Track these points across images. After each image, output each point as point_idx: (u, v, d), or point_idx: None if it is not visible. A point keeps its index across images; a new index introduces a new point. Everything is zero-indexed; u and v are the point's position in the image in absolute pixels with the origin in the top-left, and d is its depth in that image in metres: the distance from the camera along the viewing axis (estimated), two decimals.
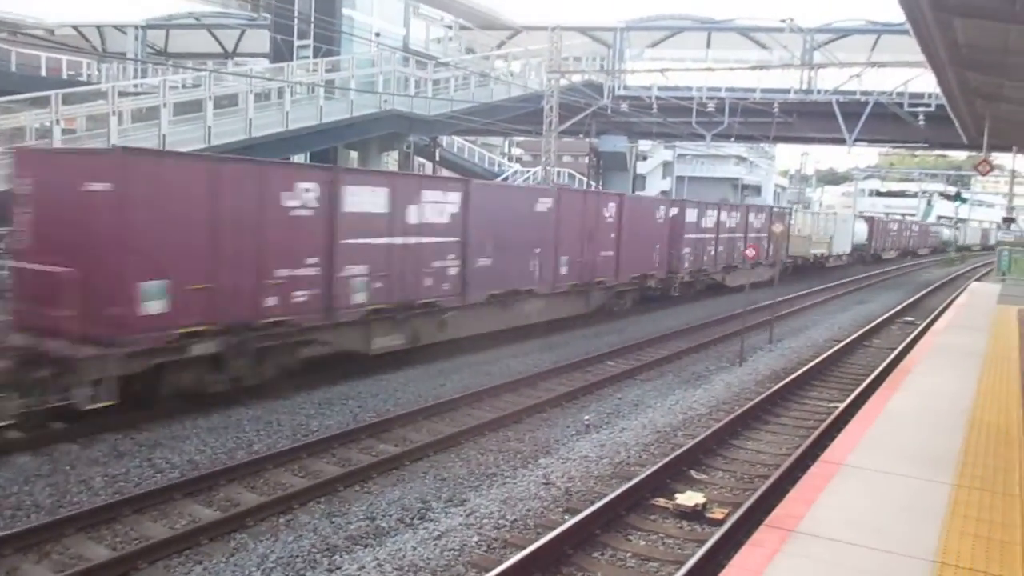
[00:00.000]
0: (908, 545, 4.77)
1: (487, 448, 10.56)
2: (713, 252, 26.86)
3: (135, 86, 23.92)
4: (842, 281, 36.54)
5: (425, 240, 14.51)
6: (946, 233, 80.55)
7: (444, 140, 42.01)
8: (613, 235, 20.77)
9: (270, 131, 19.41)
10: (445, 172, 52.23)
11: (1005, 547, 4.85)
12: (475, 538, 7.55)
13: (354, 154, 24.69)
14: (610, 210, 20.80)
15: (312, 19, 22.25)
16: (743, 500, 8.52)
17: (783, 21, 29.42)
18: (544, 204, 18.03)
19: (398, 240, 13.92)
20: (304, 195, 12.10)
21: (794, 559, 4.50)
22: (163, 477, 8.92)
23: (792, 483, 9.09)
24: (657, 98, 29.20)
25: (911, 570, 4.47)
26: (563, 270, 18.78)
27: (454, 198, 15.16)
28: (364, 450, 10.29)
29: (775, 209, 34.92)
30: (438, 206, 14.77)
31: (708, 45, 37.38)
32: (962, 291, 28.82)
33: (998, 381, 10.07)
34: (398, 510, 8.26)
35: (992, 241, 66.61)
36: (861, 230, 47.68)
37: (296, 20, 22.94)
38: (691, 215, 25.10)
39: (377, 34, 24.24)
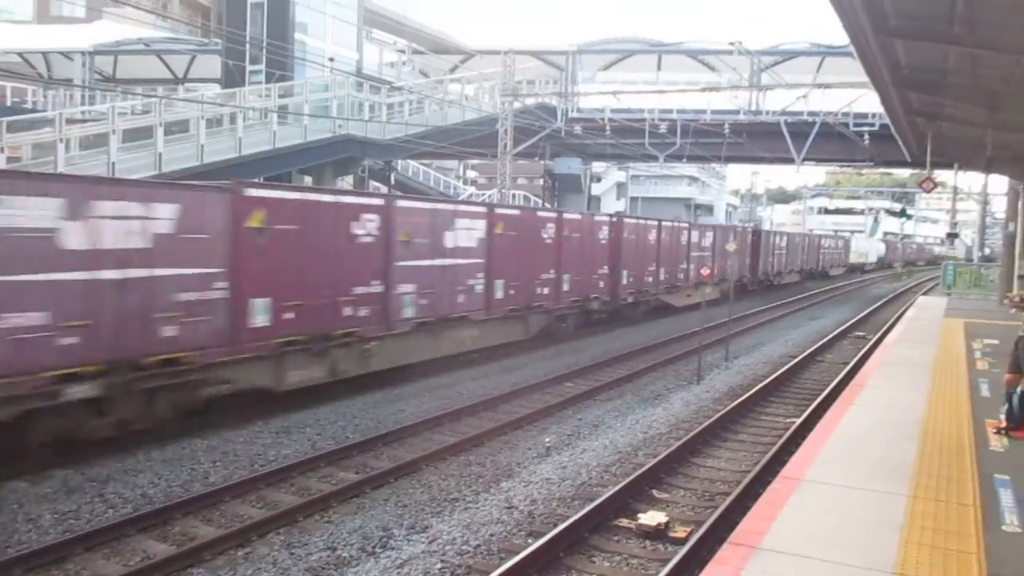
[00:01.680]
0: (869, 557, 4.83)
1: (449, 473, 10.47)
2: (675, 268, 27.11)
3: (83, 113, 23.48)
4: (793, 298, 37.15)
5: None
6: (937, 250, 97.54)
7: (399, 164, 41.96)
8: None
9: (222, 157, 19.21)
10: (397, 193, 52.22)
11: (961, 557, 4.94)
12: (438, 565, 7.46)
13: (308, 179, 24.53)
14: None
15: (264, 44, 22.14)
16: (705, 518, 8.56)
17: (732, 44, 30.07)
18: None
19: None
20: (367, 224, 14.06)
21: (758, 575, 4.53)
22: (115, 513, 8.68)
23: (753, 499, 9.16)
24: (610, 120, 29.52)
25: None
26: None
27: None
28: (323, 478, 10.13)
29: (740, 227, 35.69)
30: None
31: (659, 67, 37.99)
32: (910, 305, 29.48)
33: (948, 392, 10.29)
34: (359, 539, 8.14)
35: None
36: (883, 248, 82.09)
37: (248, 45, 22.80)
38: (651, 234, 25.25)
39: (331, 59, 24.19)
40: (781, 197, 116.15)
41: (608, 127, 29.26)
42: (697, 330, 19.20)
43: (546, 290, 20.01)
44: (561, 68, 35.63)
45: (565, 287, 20.80)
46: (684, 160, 37.10)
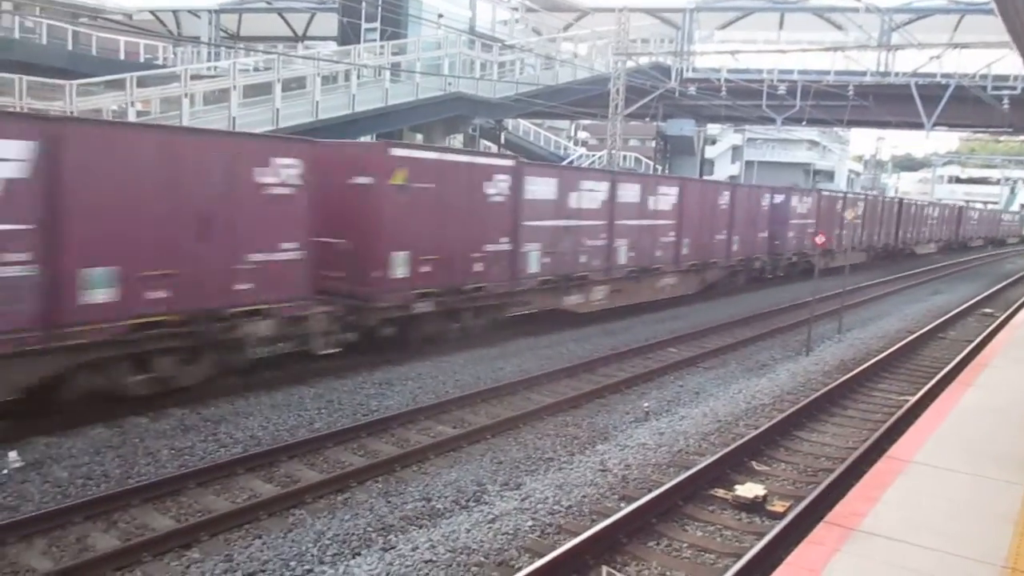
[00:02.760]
0: (977, 549, 4.56)
1: (544, 432, 10.52)
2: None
3: (208, 69, 24.38)
4: (922, 269, 35.41)
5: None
6: None
7: (510, 123, 41.92)
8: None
9: (336, 113, 19.61)
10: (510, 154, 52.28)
11: None
12: (529, 523, 7.53)
13: (419, 136, 24.80)
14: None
15: (380, 2, 22.35)
16: (805, 494, 8.31)
17: (860, 1, 28.42)
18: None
19: (561, 223, 16.76)
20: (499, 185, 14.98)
21: (853, 558, 4.35)
22: (226, 452, 9.12)
23: (857, 478, 8.86)
24: (726, 81, 28.53)
25: (978, 574, 4.27)
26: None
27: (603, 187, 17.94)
28: (422, 431, 10.35)
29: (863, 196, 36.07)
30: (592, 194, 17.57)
31: (780, 26, 36.39)
32: None
33: None
34: (454, 492, 8.29)
35: None
36: None
37: (364, 3, 23.07)
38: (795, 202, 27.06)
39: (440, 16, 24.21)
40: (908, 164, 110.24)
41: (724, 88, 28.30)
42: (810, 299, 18.57)
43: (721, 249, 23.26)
44: (677, 26, 34.58)
45: (735, 247, 23.78)
46: (804, 123, 35.55)
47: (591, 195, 17.50)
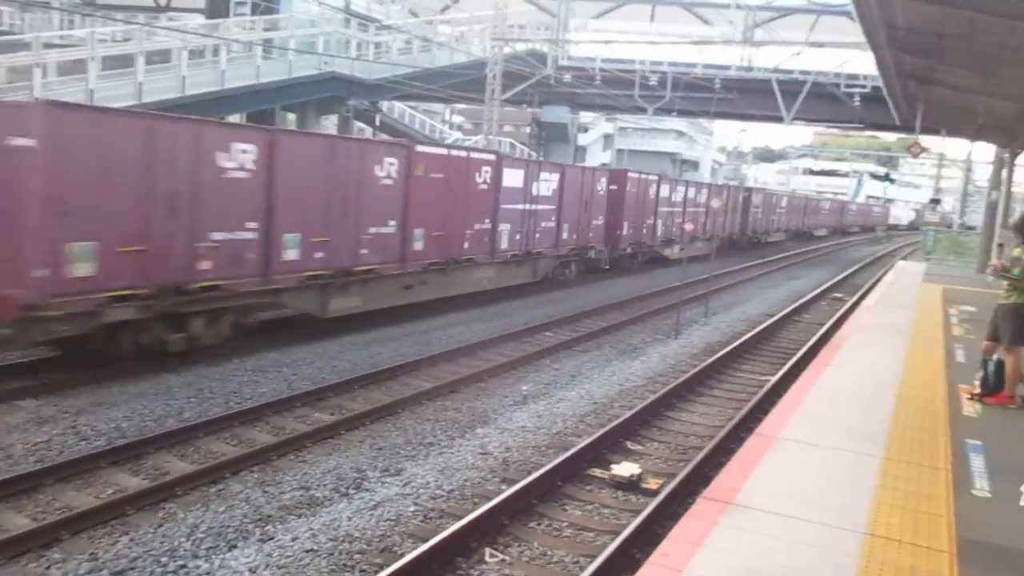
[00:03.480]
0: (842, 517, 4.87)
1: (424, 417, 10.48)
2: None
3: (61, 38, 22.78)
4: (774, 257, 37.32)
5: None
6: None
7: (385, 105, 41.31)
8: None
9: (205, 89, 18.75)
10: (385, 137, 51.55)
11: (932, 520, 4.99)
12: (411, 508, 7.49)
13: (291, 116, 24.09)
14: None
15: None
16: (677, 471, 8.62)
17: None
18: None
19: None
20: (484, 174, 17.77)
21: (732, 531, 4.55)
22: (88, 445, 8.62)
23: (726, 454, 9.28)
24: (601, 70, 29.09)
25: (844, 541, 4.56)
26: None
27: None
28: (299, 418, 10.11)
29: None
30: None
31: (652, 18, 37.39)
32: (889, 269, 29.68)
33: (924, 357, 10.38)
34: (333, 480, 8.14)
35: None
36: (911, 215, 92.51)
37: None
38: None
39: None
40: (767, 156, 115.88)
41: (598, 76, 28.85)
42: (678, 285, 19.25)
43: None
44: (553, 14, 34.95)
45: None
46: (674, 114, 36.75)
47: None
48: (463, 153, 17.69)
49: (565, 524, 7.49)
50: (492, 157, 18.56)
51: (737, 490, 5.14)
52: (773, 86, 29.37)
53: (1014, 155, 22.61)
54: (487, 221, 18.29)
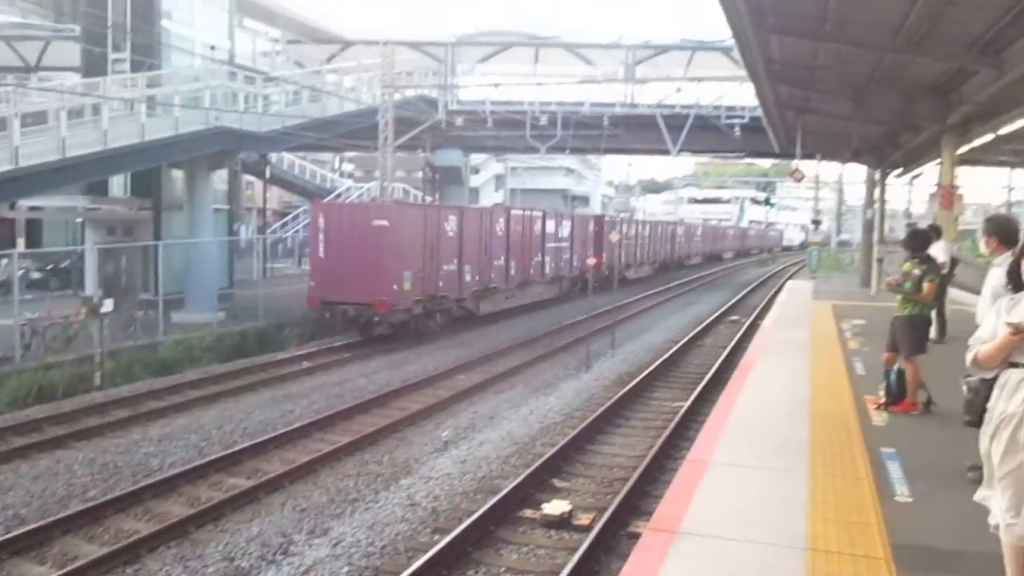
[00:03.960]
0: (783, 534, 4.99)
1: (345, 473, 10.23)
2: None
3: None
4: (669, 286, 38.38)
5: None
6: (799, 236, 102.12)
7: (273, 157, 40.68)
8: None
9: (87, 151, 17.97)
10: (276, 190, 50.67)
11: (864, 528, 5.17)
12: (345, 569, 7.26)
13: (179, 173, 23.37)
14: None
15: (128, 30, 20.85)
16: (607, 504, 8.67)
17: (608, 41, 30.63)
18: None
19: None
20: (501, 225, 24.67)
21: (683, 560, 4.60)
22: None
23: (651, 483, 9.42)
24: (491, 112, 29.54)
25: (789, 558, 4.67)
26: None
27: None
28: (213, 486, 9.70)
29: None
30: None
31: (536, 60, 38.29)
32: (779, 290, 30.92)
33: (828, 372, 10.82)
34: (258, 547, 7.82)
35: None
36: (801, 236, 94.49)
37: (111, 31, 21.38)
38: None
39: (213, 47, 23.06)
40: (653, 187, 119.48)
41: (490, 119, 29.28)
42: (584, 318, 19.53)
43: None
44: (440, 60, 35.37)
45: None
46: (567, 152, 37.57)
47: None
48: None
49: (503, 569, 7.40)
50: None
51: (680, 518, 5.20)
52: (658, 120, 30.43)
53: (884, 175, 24.08)
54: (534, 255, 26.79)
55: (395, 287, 18.98)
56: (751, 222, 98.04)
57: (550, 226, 27.97)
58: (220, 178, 25.48)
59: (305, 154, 49.81)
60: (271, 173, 40.15)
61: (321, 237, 19.45)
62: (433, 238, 20.51)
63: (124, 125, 19.21)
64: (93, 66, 22.44)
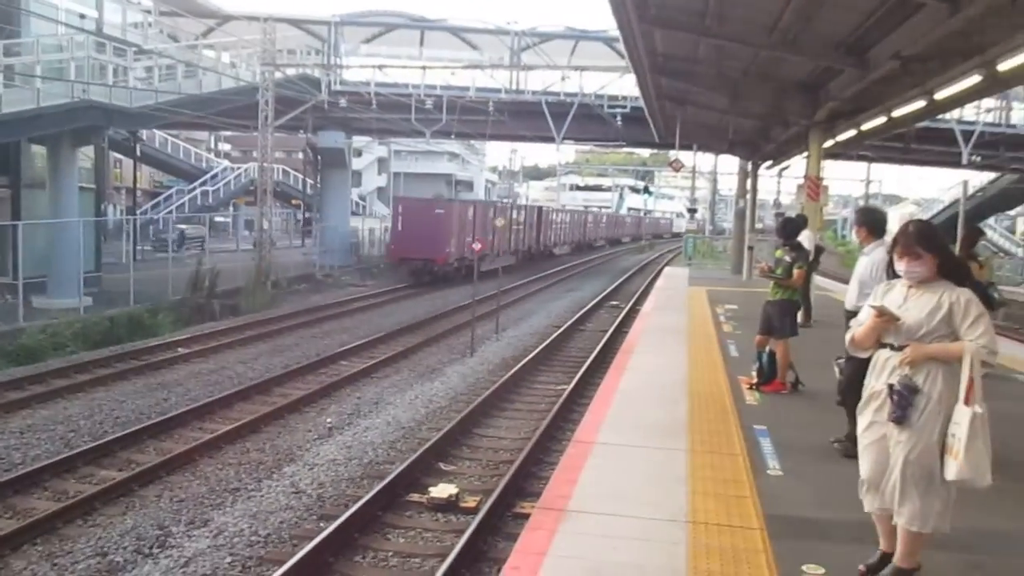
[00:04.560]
0: (666, 509, 5.20)
1: (226, 462, 9.93)
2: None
3: None
4: (555, 269, 39.00)
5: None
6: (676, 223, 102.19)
7: (144, 134, 38.79)
8: None
9: None
10: (147, 169, 48.41)
11: (739, 501, 5.45)
12: (228, 559, 7.06)
13: (41, 150, 21.94)
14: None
15: None
16: (493, 487, 8.76)
17: (498, 25, 30.62)
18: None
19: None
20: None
21: (572, 536, 4.72)
22: None
23: (536, 464, 9.59)
24: (376, 94, 29.10)
25: (672, 531, 4.88)
26: None
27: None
28: (83, 479, 9.23)
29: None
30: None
31: (422, 43, 37.92)
32: (657, 276, 31.94)
33: (704, 354, 11.28)
34: (133, 540, 7.50)
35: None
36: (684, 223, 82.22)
37: None
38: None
39: (83, 16, 21.67)
40: (536, 174, 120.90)
41: (374, 101, 28.83)
42: (468, 303, 19.60)
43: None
44: (323, 39, 34.51)
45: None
46: (452, 136, 37.47)
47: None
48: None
49: (391, 553, 7.38)
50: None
51: (568, 497, 5.33)
52: (543, 108, 30.75)
53: (756, 167, 25.21)
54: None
55: (447, 250, 30.46)
56: (629, 210, 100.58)
57: (519, 215, 40.81)
58: (86, 155, 24.13)
59: (178, 132, 47.82)
60: (141, 151, 38.32)
61: (400, 219, 31.02)
62: (462, 222, 32.11)
63: None
64: None
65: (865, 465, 4.19)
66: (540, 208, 47.50)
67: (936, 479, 3.94)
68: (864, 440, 4.20)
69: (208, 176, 49.79)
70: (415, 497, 8.64)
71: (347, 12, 36.85)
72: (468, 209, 34.01)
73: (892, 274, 4.26)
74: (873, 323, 4.11)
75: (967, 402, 3.84)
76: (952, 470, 3.85)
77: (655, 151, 68.01)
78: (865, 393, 4.21)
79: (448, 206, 33.01)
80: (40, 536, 7.59)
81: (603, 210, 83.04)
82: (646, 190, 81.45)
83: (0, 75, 18.01)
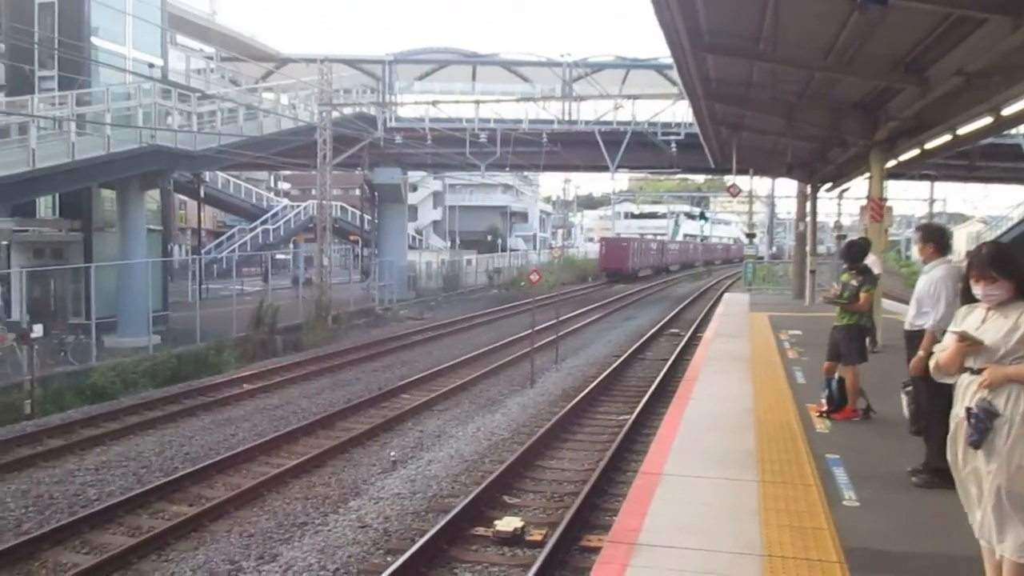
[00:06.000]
0: (738, 542, 5.08)
1: (292, 497, 10.04)
2: None
3: None
4: (608, 300, 38.79)
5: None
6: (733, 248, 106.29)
7: (208, 176, 39.96)
8: None
9: (13, 171, 17.39)
10: (210, 209, 49.79)
11: (816, 533, 5.29)
12: None
13: (110, 193, 22.76)
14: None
15: (56, 46, 20.26)
16: (558, 519, 8.69)
17: (545, 58, 30.94)
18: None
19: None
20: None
21: (643, 570, 4.64)
22: None
23: (601, 496, 9.49)
24: (431, 129, 29.53)
25: (746, 565, 4.76)
26: None
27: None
28: (156, 515, 9.42)
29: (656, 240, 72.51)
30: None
31: (474, 78, 38.47)
32: (716, 302, 31.51)
33: (769, 381, 11.05)
34: None
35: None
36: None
37: (37, 47, 20.73)
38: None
39: (151, 65, 22.52)
40: (590, 203, 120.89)
41: (429, 136, 29.25)
42: (528, 333, 19.58)
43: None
44: (377, 77, 35.24)
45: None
46: (507, 169, 37.78)
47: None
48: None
49: None
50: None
51: (638, 530, 5.24)
52: (597, 138, 30.81)
53: (815, 189, 24.77)
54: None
55: (628, 264, 55.24)
56: (685, 236, 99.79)
57: (654, 246, 68.06)
58: (152, 198, 24.94)
59: (239, 172, 49.14)
60: (205, 192, 39.46)
61: (604, 247, 57.84)
62: (631, 250, 56.66)
63: (53, 144, 18.66)
64: (19, 84, 21.75)
65: (964, 498, 4.04)
66: (663, 242, 74.60)
67: None
68: (959, 473, 4.06)
69: (268, 215, 50.97)
70: (481, 530, 8.61)
71: (401, 50, 37.48)
72: (634, 243, 60.49)
73: (969, 298, 4.15)
74: (956, 348, 4.00)
75: None
76: None
77: (710, 176, 67.89)
78: (952, 423, 4.07)
79: (627, 241, 60.44)
80: (116, 571, 7.75)
81: (699, 239, 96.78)
82: (702, 216, 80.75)
83: (73, 124, 18.75)
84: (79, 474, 10.81)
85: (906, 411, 6.77)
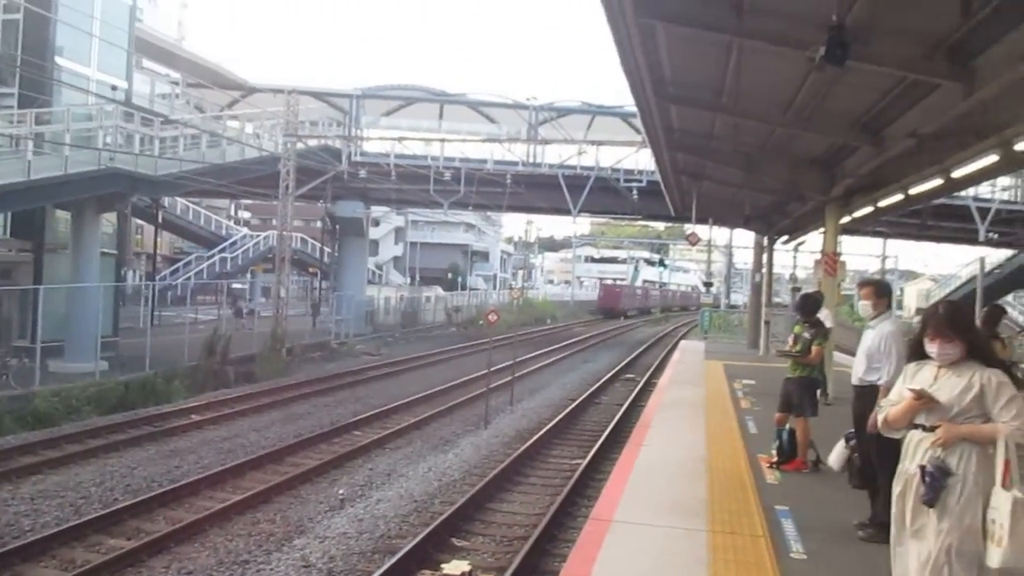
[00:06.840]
0: None
1: (235, 533, 9.78)
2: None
3: None
4: (568, 342, 38.88)
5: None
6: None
7: (167, 202, 39.47)
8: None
9: None
10: (167, 235, 49.12)
11: None
12: None
13: (65, 215, 22.32)
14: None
15: (18, 65, 19.96)
16: (507, 564, 8.57)
17: (511, 100, 31.29)
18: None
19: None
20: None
21: None
22: None
23: (550, 541, 9.40)
24: (395, 165, 29.59)
25: None
26: None
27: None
28: (91, 548, 9.10)
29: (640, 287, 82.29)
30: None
31: (440, 116, 38.74)
32: (672, 348, 31.73)
33: (722, 430, 11.10)
34: None
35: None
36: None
37: None
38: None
39: (114, 88, 22.28)
40: (551, 245, 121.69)
41: (393, 172, 29.28)
42: (484, 373, 19.48)
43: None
44: (344, 111, 35.32)
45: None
46: (470, 208, 37.96)
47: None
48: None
49: None
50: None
51: None
52: (560, 181, 31.10)
53: (772, 241, 25.25)
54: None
55: (621, 304, 70.03)
56: (644, 282, 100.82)
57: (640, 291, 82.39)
58: (109, 221, 24.51)
59: (200, 199, 48.61)
60: (163, 218, 38.95)
61: (600, 290, 75.31)
62: (622, 294, 73.70)
63: (8, 162, 18.29)
64: None
65: (912, 556, 4.02)
66: (646, 288, 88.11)
67: (980, 567, 3.81)
68: (902, 530, 4.06)
69: (227, 243, 50.41)
70: (428, 574, 8.48)
71: (369, 85, 37.67)
72: (625, 288, 75.26)
73: (917, 354, 4.21)
74: (910, 405, 4.04)
75: (1005, 485, 3.74)
76: (996, 557, 3.72)
77: (670, 224, 69.63)
78: (899, 479, 4.10)
79: (620, 287, 75.99)
80: None
81: (670, 287, 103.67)
82: (661, 263, 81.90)
83: (30, 143, 18.42)
84: (13, 503, 10.44)
85: (836, 460, 6.80)
